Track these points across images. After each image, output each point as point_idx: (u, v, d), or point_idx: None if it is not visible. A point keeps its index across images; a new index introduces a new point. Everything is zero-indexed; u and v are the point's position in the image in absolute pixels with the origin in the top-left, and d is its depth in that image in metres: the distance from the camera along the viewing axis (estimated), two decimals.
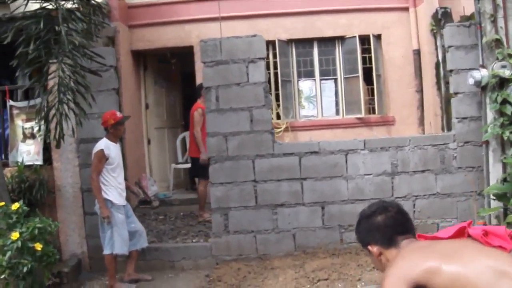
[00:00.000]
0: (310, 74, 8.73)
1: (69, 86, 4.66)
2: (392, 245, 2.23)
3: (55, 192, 6.28)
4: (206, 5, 8.35)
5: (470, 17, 6.75)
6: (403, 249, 2.18)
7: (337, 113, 8.78)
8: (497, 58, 5.61)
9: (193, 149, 7.45)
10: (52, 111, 4.79)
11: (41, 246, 4.72)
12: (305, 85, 8.81)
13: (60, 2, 4.78)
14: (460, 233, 2.15)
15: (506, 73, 5.50)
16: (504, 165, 5.67)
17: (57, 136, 4.89)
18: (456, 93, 6.07)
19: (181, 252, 6.19)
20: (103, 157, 5.58)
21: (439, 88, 7.92)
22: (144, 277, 5.92)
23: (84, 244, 6.26)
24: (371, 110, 8.71)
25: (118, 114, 5.77)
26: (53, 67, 4.96)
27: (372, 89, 8.64)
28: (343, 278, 5.43)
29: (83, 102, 5.09)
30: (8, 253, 4.60)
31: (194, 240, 6.47)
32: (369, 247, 2.30)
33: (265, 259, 6.05)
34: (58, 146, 5.17)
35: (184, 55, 9.17)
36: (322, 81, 8.76)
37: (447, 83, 7.65)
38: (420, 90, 8.42)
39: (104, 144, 5.62)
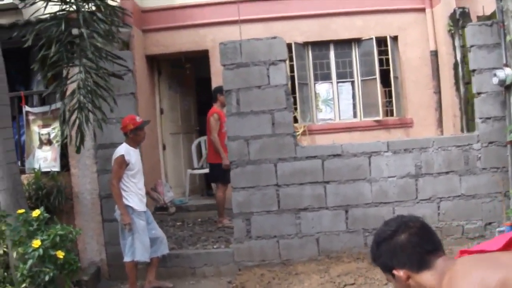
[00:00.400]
0: (327, 77, 8.66)
1: (91, 89, 4.59)
2: (424, 267, 1.91)
3: (72, 199, 6.21)
4: (220, 9, 8.32)
5: (490, 17, 6.68)
6: (454, 267, 1.87)
7: (355, 115, 8.70)
8: None
9: (211, 155, 7.37)
10: (73, 116, 4.71)
11: (63, 254, 4.64)
12: (322, 88, 8.74)
13: (80, 3, 4.73)
14: (510, 244, 1.91)
15: None
16: None
17: (77, 142, 4.81)
18: (479, 93, 5.97)
19: (203, 258, 6.11)
20: (123, 163, 5.51)
21: (457, 89, 7.84)
22: (165, 285, 5.83)
23: (103, 251, 6.18)
24: (388, 112, 8.63)
25: (138, 119, 5.70)
26: (73, 71, 4.90)
27: (390, 91, 8.56)
28: (370, 283, 5.34)
29: (103, 106, 5.02)
30: (30, 262, 4.51)
31: (215, 246, 6.39)
32: (395, 272, 1.94)
33: (289, 265, 5.96)
34: (78, 151, 5.11)
35: (199, 59, 9.12)
36: (339, 84, 8.68)
37: (466, 83, 7.59)
38: (438, 91, 8.33)
39: (125, 150, 5.55)
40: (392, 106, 8.55)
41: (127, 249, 5.54)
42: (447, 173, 5.97)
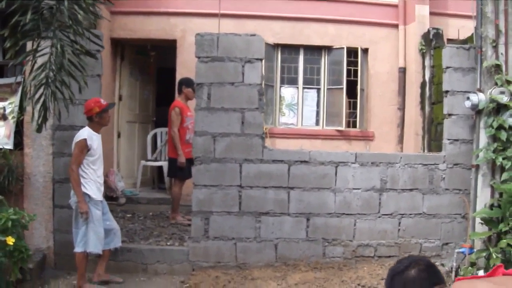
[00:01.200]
0: (293, 82, 8.58)
1: (62, 65, 4.24)
2: None
3: (23, 180, 5.78)
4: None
5: (465, 41, 6.77)
6: None
7: (317, 123, 8.65)
8: (496, 84, 5.61)
9: (171, 149, 7.08)
10: (39, 92, 4.35)
11: (13, 240, 4.28)
12: (288, 92, 8.65)
13: None
14: (494, 274, 2.34)
15: (504, 99, 5.50)
16: (493, 190, 5.66)
17: (39, 120, 4.45)
18: (450, 115, 6.02)
19: (156, 255, 5.83)
20: (85, 148, 5.17)
21: (422, 108, 7.93)
22: (115, 279, 5.51)
23: (51, 238, 5.78)
24: (351, 123, 8.62)
25: (103, 101, 5.39)
26: (43, 44, 4.52)
27: (354, 103, 8.57)
28: None
29: (72, 85, 4.67)
30: None
31: (168, 243, 6.10)
32: None
33: (244, 269, 5.78)
34: (39, 130, 4.73)
35: (163, 48, 8.82)
36: (305, 90, 8.61)
37: (432, 103, 7.68)
38: (402, 108, 8.42)
39: (87, 134, 5.21)
40: (355, 117, 8.56)
41: (79, 239, 5.19)
42: (411, 190, 5.98)
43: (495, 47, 5.66)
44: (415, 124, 8.00)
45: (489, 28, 5.67)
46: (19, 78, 5.84)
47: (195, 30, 8.00)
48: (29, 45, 4.82)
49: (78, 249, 5.21)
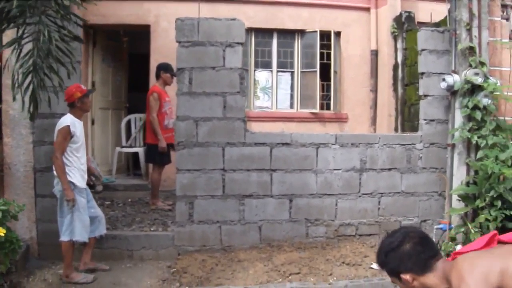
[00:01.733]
0: (267, 65, 8.62)
1: (50, 51, 4.16)
2: (427, 270, 2.31)
3: (3, 170, 5.66)
4: None
5: (438, 24, 6.93)
6: (457, 265, 2.21)
7: (291, 106, 8.74)
8: (470, 65, 5.78)
9: (149, 135, 7.04)
10: (27, 80, 4.26)
11: (4, 231, 4.22)
12: (262, 76, 8.69)
13: None
14: (490, 242, 2.33)
15: (478, 80, 5.68)
16: (468, 168, 5.87)
17: (31, 108, 4.36)
18: (425, 96, 6.19)
19: (141, 241, 5.82)
20: (68, 135, 5.09)
21: (395, 90, 8.11)
22: (101, 267, 5.48)
23: (34, 228, 5.68)
24: (325, 106, 8.74)
25: (83, 87, 5.32)
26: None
27: (328, 85, 8.68)
28: (315, 273, 5.36)
29: (60, 71, 4.58)
30: None
31: (152, 229, 6.08)
32: (402, 276, 2.34)
33: (230, 251, 5.84)
34: (32, 118, 4.65)
35: (136, 34, 8.70)
36: (279, 73, 8.68)
37: (405, 85, 7.86)
38: (375, 90, 8.59)
39: (70, 120, 5.13)
40: (329, 100, 8.68)
41: (65, 228, 5.12)
42: (389, 169, 6.15)
43: (469, 30, 5.82)
44: (388, 106, 8.19)
45: (463, 11, 5.83)
46: None
47: (169, 15, 8.02)
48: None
49: (64, 238, 5.13)
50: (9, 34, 5.15)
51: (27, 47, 4.35)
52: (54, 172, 5.18)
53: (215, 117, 5.80)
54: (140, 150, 8.51)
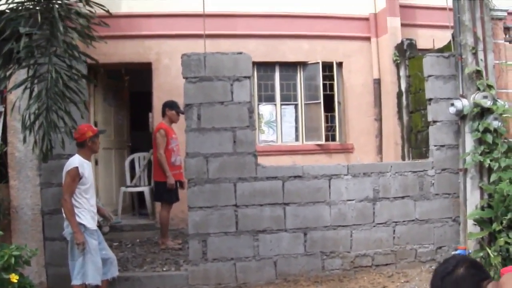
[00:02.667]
0: (271, 99, 8.62)
1: (60, 91, 4.12)
2: None
3: (10, 214, 5.54)
4: (168, 21, 8.04)
5: (441, 50, 6.97)
6: (501, 280, 2.37)
7: (297, 139, 8.71)
8: (478, 89, 5.80)
9: (157, 172, 6.96)
10: (39, 120, 4.21)
11: (17, 277, 4.08)
12: (266, 110, 8.68)
13: None
14: None
15: (487, 103, 5.69)
16: (482, 192, 5.82)
17: (44, 150, 4.30)
18: (434, 122, 6.17)
19: (155, 281, 5.67)
20: (77, 176, 4.97)
21: (400, 117, 8.10)
22: None
23: (43, 273, 5.55)
24: (330, 137, 8.72)
25: (94, 127, 5.27)
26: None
27: (332, 116, 8.68)
28: None
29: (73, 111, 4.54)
30: None
31: (164, 269, 5.96)
32: None
33: None
34: (45, 160, 4.58)
35: (137, 72, 8.71)
36: (283, 106, 8.67)
37: (410, 112, 7.85)
38: (379, 119, 8.58)
39: (78, 162, 5.02)
40: (333, 131, 8.66)
41: (77, 271, 4.95)
42: (402, 197, 6.08)
43: (475, 54, 5.87)
44: (393, 134, 8.17)
45: (468, 36, 5.88)
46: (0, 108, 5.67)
47: (170, 52, 8.04)
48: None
49: (76, 281, 4.95)
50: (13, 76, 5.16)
51: (38, 87, 4.33)
52: (64, 215, 5.07)
53: (225, 152, 5.74)
54: (145, 189, 8.41)
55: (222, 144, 5.74)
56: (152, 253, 6.73)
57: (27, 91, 4.28)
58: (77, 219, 4.98)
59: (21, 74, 5.40)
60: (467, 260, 2.57)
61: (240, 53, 5.86)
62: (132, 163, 8.79)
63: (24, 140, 4.35)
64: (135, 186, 8.61)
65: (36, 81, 4.32)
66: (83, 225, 5.01)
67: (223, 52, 5.85)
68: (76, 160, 5.06)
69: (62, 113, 4.30)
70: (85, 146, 5.13)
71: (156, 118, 8.08)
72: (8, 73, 4.34)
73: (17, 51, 4.01)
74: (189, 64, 5.75)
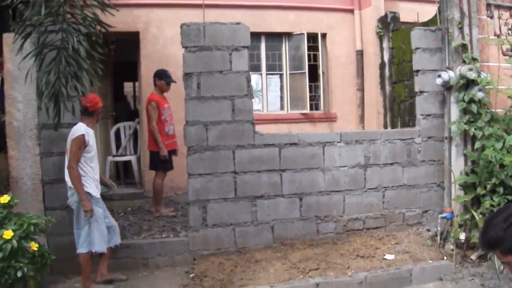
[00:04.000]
0: (256, 68, 8.73)
1: (77, 60, 4.16)
2: None
3: (9, 184, 5.54)
4: None
5: (426, 23, 7.23)
6: None
7: (282, 108, 8.89)
8: (464, 62, 6.09)
9: (151, 142, 7.03)
10: (52, 89, 4.23)
11: (37, 245, 4.15)
12: (252, 79, 8.75)
13: None
14: None
15: (472, 75, 5.98)
16: (466, 159, 6.17)
17: (55, 119, 4.34)
18: (421, 92, 6.45)
19: (156, 248, 5.81)
20: (83, 144, 5.03)
21: (382, 88, 8.37)
22: (119, 277, 5.42)
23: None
24: (314, 106, 8.94)
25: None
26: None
27: (316, 86, 8.88)
28: (333, 267, 5.52)
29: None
30: None
31: (163, 236, 6.10)
32: None
33: (245, 252, 5.91)
34: (57, 128, 4.62)
35: (122, 42, 8.64)
36: (268, 76, 8.81)
37: (394, 83, 8.13)
38: (362, 89, 8.83)
39: (84, 129, 5.08)
40: (317, 100, 8.88)
41: (83, 239, 5.04)
42: (392, 164, 6.38)
43: (461, 29, 6.15)
44: (376, 103, 8.45)
45: (454, 11, 6.14)
46: None
47: (158, 21, 8.03)
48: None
49: (82, 249, 5.06)
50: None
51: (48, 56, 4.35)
52: (68, 183, 5.11)
53: (224, 120, 5.87)
54: (132, 158, 8.46)
55: (221, 112, 5.87)
56: (147, 220, 6.85)
57: (42, 58, 4.29)
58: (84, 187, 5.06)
59: (18, 43, 5.41)
60: None
61: (239, 23, 5.95)
62: (117, 132, 8.80)
63: (39, 108, 4.37)
64: (122, 155, 8.65)
65: (47, 50, 4.33)
66: (89, 193, 5.10)
67: (222, 22, 5.93)
68: (82, 128, 5.11)
69: (75, 82, 4.33)
70: (93, 115, 5.20)
71: (144, 87, 8.10)
72: (21, 42, 4.32)
73: (35, 19, 4.00)
74: (188, 33, 5.80)
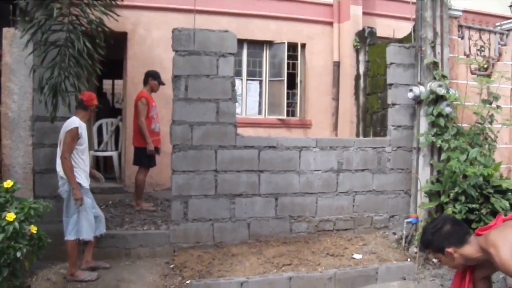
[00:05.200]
0: (238, 74, 9.08)
1: (78, 59, 4.45)
2: (465, 243, 3.06)
3: (1, 171, 5.76)
4: None
5: (401, 40, 7.71)
6: (489, 236, 2.96)
7: (260, 112, 9.27)
8: (434, 78, 6.56)
9: (137, 138, 7.33)
10: (51, 83, 4.52)
11: (36, 228, 4.41)
12: None
13: None
14: (498, 221, 3.18)
15: (442, 91, 6.46)
16: (432, 168, 6.64)
17: (53, 112, 4.62)
18: (393, 104, 6.91)
19: (139, 239, 6.10)
20: (76, 136, 5.32)
21: (356, 98, 8.83)
22: (102, 265, 5.69)
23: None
24: (290, 112, 9.34)
25: None
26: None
27: (293, 93, 9.30)
28: (304, 264, 5.90)
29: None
30: (1, 236, 4.20)
31: (144, 228, 6.39)
32: (446, 250, 3.08)
33: (222, 247, 6.24)
34: (53, 121, 4.89)
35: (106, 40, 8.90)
36: (248, 81, 9.18)
37: (367, 94, 8.60)
38: (336, 99, 9.28)
39: (78, 122, 5.38)
40: (294, 107, 9.30)
41: (71, 227, 5.33)
42: (362, 170, 6.81)
43: (433, 47, 6.62)
44: (349, 113, 8.90)
45: (428, 30, 6.61)
46: None
47: (147, 23, 8.32)
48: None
49: (70, 237, 5.34)
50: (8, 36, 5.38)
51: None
52: (60, 173, 5.38)
53: (209, 121, 6.20)
54: (114, 154, 8.72)
55: (206, 114, 6.20)
56: (129, 214, 7.12)
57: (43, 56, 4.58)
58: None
59: (17, 37, 5.67)
60: (450, 218, 3.23)
61: (227, 31, 6.30)
62: (99, 128, 9.05)
63: (40, 102, 4.66)
64: (103, 150, 8.90)
65: (52, 47, 4.62)
66: (79, 183, 5.37)
67: (211, 29, 6.27)
68: (76, 121, 5.40)
69: (75, 79, 4.62)
70: (87, 110, 5.49)
71: (129, 85, 8.38)
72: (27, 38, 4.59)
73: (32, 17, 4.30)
74: (179, 38, 6.13)
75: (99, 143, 9.00)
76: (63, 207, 5.42)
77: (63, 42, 4.61)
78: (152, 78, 7.35)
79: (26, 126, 5.79)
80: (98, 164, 9.22)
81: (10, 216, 4.21)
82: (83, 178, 5.43)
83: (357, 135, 8.76)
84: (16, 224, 4.21)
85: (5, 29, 5.75)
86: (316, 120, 9.38)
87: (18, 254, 4.25)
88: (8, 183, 4.42)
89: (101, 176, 6.03)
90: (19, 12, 5.69)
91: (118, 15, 4.94)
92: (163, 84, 7.42)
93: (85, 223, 5.37)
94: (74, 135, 5.31)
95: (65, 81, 4.58)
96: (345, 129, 9.05)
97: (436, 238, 3.10)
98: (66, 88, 4.66)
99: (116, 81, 15.60)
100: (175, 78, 6.13)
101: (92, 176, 5.85)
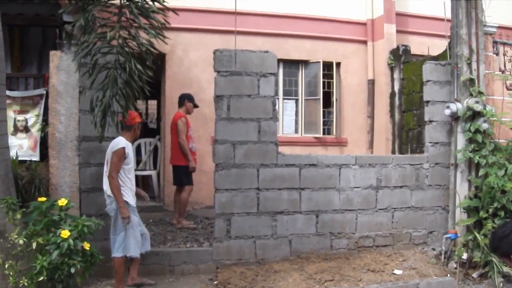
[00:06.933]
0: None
1: (128, 80, 4.69)
2: None
3: (49, 191, 6.00)
4: (183, 15, 8.46)
5: (437, 57, 7.80)
6: None
7: (296, 131, 9.42)
8: (471, 95, 6.63)
9: (177, 157, 7.54)
10: (101, 104, 4.75)
11: (89, 245, 4.61)
12: None
13: None
14: None
15: (478, 107, 6.52)
16: (470, 184, 6.66)
17: (102, 132, 4.86)
18: (430, 121, 6.98)
19: (183, 256, 6.27)
20: (123, 156, 5.51)
21: (392, 116, 8.91)
22: (147, 282, 5.86)
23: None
24: (326, 131, 9.47)
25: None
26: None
27: (329, 112, 9.43)
28: (346, 279, 5.98)
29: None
30: (56, 252, 4.41)
31: (187, 245, 6.56)
32: None
33: (264, 264, 6.37)
34: (101, 140, 5.12)
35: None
36: (285, 101, 9.35)
37: (403, 112, 8.67)
38: (372, 116, 9.37)
39: (125, 143, 5.57)
40: (330, 125, 9.42)
41: (118, 244, 5.49)
42: (401, 187, 6.88)
43: (469, 64, 6.69)
44: (385, 130, 8.98)
45: (464, 48, 6.70)
46: (41, 91, 6.09)
47: (184, 44, 8.57)
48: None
49: (117, 254, 5.49)
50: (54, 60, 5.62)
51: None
52: (107, 192, 5.56)
53: (251, 140, 6.37)
54: (153, 173, 8.94)
55: (248, 133, 6.37)
56: (170, 231, 7.30)
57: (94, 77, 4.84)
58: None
59: (63, 60, 5.94)
60: None
61: (267, 51, 6.49)
62: (138, 148, 9.29)
63: (92, 122, 4.91)
64: (142, 170, 9.12)
65: (103, 69, 4.88)
66: (127, 202, 5.53)
67: (252, 50, 6.48)
68: (123, 141, 5.59)
69: (124, 100, 4.85)
70: (131, 130, 5.69)
71: (167, 106, 8.62)
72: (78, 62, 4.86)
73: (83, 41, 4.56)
74: (221, 59, 6.34)
75: (138, 162, 9.23)
76: (111, 225, 5.59)
77: (112, 64, 4.84)
78: (188, 100, 7.59)
79: (72, 146, 6.02)
80: (137, 183, 9.41)
81: (65, 233, 4.43)
82: (130, 197, 5.60)
83: (393, 152, 8.82)
84: (71, 241, 4.43)
85: (51, 52, 6.03)
86: (352, 138, 9.48)
87: (72, 270, 4.46)
88: (62, 202, 4.64)
89: (146, 194, 6.21)
90: (65, 36, 5.99)
91: (168, 38, 5.12)
92: (197, 106, 7.65)
93: (132, 240, 5.53)
94: (120, 155, 5.49)
95: (113, 102, 4.79)
96: (381, 146, 9.13)
97: (503, 243, 3.13)
98: (114, 109, 4.88)
99: (149, 102, 15.99)
100: (217, 98, 6.32)
101: (137, 195, 6.04)
